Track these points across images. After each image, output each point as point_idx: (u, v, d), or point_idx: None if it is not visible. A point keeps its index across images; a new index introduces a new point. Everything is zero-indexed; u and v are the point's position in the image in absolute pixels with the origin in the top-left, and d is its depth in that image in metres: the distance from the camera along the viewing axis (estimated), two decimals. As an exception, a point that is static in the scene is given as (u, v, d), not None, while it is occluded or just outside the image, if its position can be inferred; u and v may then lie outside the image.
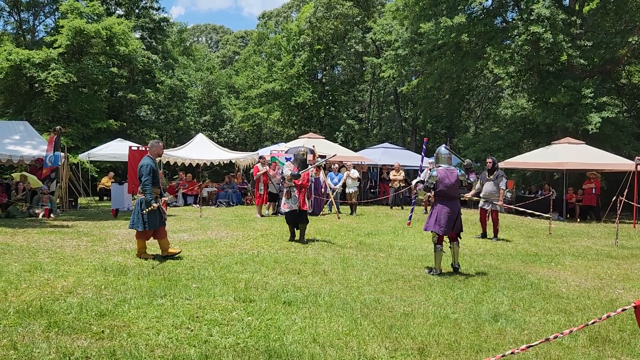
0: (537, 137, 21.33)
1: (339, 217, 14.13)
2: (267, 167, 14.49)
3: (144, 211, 7.09)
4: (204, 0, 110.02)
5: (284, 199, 9.26)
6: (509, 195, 17.90)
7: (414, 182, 7.47)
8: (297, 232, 9.40)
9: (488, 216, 10.84)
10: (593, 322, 3.09)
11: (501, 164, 16.27)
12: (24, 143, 15.39)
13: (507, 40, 20.05)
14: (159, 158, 7.45)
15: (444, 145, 7.51)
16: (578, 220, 15.39)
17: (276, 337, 4.11)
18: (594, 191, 16.15)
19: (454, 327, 4.52)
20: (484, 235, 10.74)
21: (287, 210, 9.19)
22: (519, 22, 18.56)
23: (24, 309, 4.57)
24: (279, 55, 36.88)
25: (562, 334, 3.17)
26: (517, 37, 18.16)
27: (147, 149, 7.47)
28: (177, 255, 7.42)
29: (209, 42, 65.23)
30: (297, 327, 4.38)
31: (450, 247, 7.00)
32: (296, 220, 9.28)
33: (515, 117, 23.09)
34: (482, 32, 20.47)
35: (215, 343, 3.95)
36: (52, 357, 3.51)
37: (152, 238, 7.45)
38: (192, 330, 4.21)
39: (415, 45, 23.85)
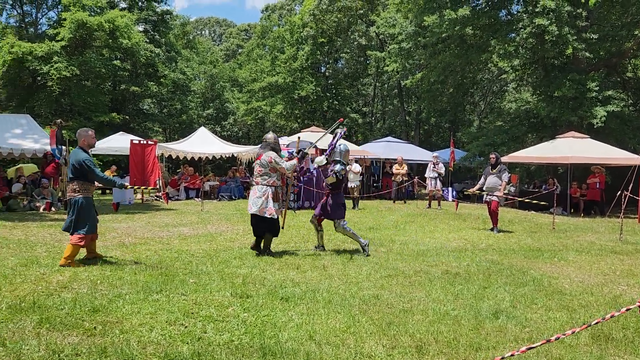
0: (541, 131, 21.14)
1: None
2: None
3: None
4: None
5: (271, 201, 7.11)
6: (512, 189, 17.80)
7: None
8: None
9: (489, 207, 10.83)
10: (596, 322, 3.00)
11: (505, 158, 16.14)
12: (25, 137, 15.33)
13: (511, 33, 19.82)
14: (92, 149, 6.71)
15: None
16: (582, 215, 15.26)
17: (272, 334, 4.03)
18: (598, 186, 15.99)
19: (453, 324, 4.43)
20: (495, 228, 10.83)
21: (274, 215, 7.15)
22: (524, 15, 18.34)
23: (16, 304, 4.51)
24: (282, 49, 36.70)
25: (565, 334, 3.08)
26: (522, 29, 17.94)
27: (84, 139, 6.47)
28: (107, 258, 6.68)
29: (213, 35, 65.05)
30: (294, 323, 4.31)
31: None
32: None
33: (520, 111, 22.87)
34: (487, 25, 20.25)
35: (209, 340, 3.88)
36: (41, 355, 3.44)
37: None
38: (186, 327, 4.13)
39: (419, 39, 23.66)
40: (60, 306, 4.52)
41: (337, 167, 7.53)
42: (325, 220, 7.81)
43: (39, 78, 25.19)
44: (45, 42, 24.64)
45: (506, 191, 10.74)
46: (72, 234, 6.27)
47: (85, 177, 6.36)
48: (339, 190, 7.66)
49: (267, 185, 7.16)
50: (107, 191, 19.45)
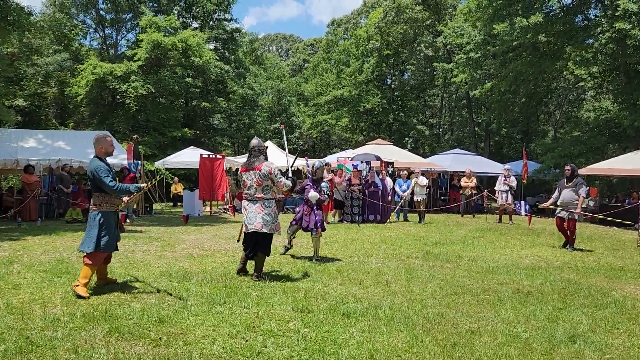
0: (623, 142, 19.83)
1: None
2: (332, 174, 14.41)
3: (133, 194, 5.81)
4: (274, 10, 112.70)
5: (271, 214, 6.48)
6: (591, 204, 16.77)
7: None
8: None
9: (566, 225, 10.13)
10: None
11: (583, 170, 15.26)
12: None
13: (589, 39, 18.83)
14: (109, 157, 5.82)
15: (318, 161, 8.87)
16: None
17: (331, 351, 3.95)
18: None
19: (524, 347, 4.16)
20: (568, 244, 10.09)
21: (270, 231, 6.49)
22: (603, 19, 17.39)
23: (90, 313, 4.71)
24: (347, 62, 36.93)
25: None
26: (600, 35, 17.01)
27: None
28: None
29: (279, 50, 66.56)
30: (355, 341, 4.21)
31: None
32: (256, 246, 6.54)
33: (599, 121, 21.60)
34: (562, 31, 19.37)
35: (269, 355, 3.86)
36: (109, 363, 3.56)
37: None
38: (247, 341, 4.14)
39: (489, 48, 23.02)
40: (129, 316, 4.67)
41: (323, 184, 8.23)
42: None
43: (118, 96, 26.74)
44: (124, 62, 26.20)
45: (584, 206, 10.00)
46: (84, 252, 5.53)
47: (102, 188, 5.58)
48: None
49: (273, 199, 6.59)
50: (179, 204, 20.20)
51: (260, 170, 6.38)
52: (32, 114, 27.63)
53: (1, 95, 20.00)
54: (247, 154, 6.67)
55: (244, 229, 6.58)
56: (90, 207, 5.68)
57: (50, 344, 3.87)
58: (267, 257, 6.65)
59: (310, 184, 8.12)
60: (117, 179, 5.98)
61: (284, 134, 8.93)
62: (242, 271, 6.68)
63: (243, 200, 6.67)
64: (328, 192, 7.62)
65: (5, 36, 14.76)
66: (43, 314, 4.65)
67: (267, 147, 7.11)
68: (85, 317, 4.58)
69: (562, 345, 4.24)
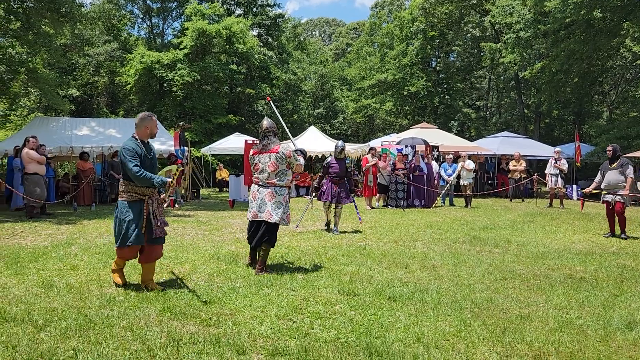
0: (685, 122, 18.79)
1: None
2: (377, 159, 14.32)
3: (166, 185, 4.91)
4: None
5: (282, 203, 5.96)
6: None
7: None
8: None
9: (613, 210, 9.28)
10: None
11: (640, 153, 14.51)
12: (153, 139, 16.70)
13: (648, 14, 17.83)
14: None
15: (340, 141, 10.02)
16: None
17: (378, 334, 3.95)
18: None
19: (577, 334, 4.03)
20: (612, 234, 9.35)
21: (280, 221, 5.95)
22: (664, -8, 16.41)
23: (143, 293, 4.88)
24: (391, 45, 36.37)
25: None
26: (661, 8, 16.06)
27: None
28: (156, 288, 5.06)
29: (322, 35, 66.26)
30: (401, 324, 4.19)
31: (335, 211, 9.34)
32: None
33: (659, 100, 20.52)
34: (618, 6, 18.38)
35: (316, 336, 3.90)
36: (162, 341, 3.68)
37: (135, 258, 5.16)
38: (294, 322, 4.20)
39: (539, 26, 22.17)
40: (180, 297, 4.81)
41: (347, 161, 9.48)
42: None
43: (165, 84, 27.38)
44: (170, 50, 26.74)
45: (632, 186, 9.28)
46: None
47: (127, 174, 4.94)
48: (343, 179, 9.26)
49: (286, 188, 6.04)
50: (225, 189, 20.58)
51: (277, 153, 5.88)
52: (84, 103, 28.70)
53: (56, 85, 20.82)
54: (261, 137, 6.17)
55: (249, 216, 6.03)
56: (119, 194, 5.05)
57: (107, 322, 4.04)
58: (271, 248, 6.07)
59: (335, 162, 9.22)
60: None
61: (272, 104, 8.52)
62: (254, 264, 6.08)
63: (252, 185, 6.15)
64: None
65: (59, 28, 15.30)
66: (100, 294, 4.85)
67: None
68: (139, 297, 4.76)
69: (618, 332, 4.08)
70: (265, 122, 6.17)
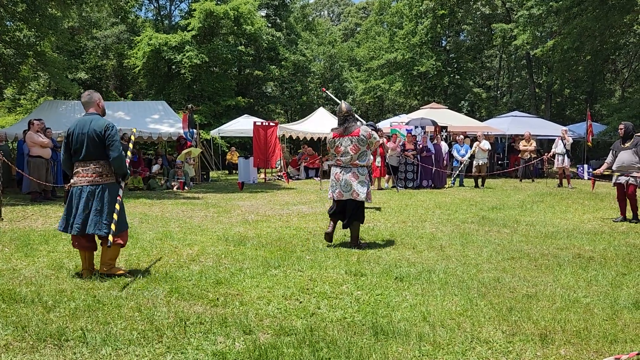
0: (700, 100, 18.44)
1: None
2: (385, 139, 14.22)
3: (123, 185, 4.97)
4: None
5: (365, 182, 6.29)
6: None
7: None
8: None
9: (625, 192, 8.78)
10: None
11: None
12: (162, 121, 16.76)
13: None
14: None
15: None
16: None
17: (384, 314, 3.96)
18: None
19: (584, 312, 4.01)
20: (623, 218, 8.83)
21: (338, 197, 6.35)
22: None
23: (151, 274, 4.93)
24: (400, 24, 35.90)
25: None
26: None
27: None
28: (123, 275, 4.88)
29: (331, 15, 65.54)
30: (408, 304, 4.19)
31: None
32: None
33: (673, 78, 20.13)
34: (632, -19, 17.97)
35: (323, 316, 3.92)
36: (170, 321, 3.72)
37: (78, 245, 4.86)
38: (301, 302, 4.22)
39: (551, 3, 21.70)
40: (188, 277, 4.85)
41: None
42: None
43: (173, 67, 27.30)
44: (178, 32, 26.60)
45: None
46: (114, 235, 4.67)
47: (105, 155, 4.72)
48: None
49: (366, 167, 6.31)
50: (234, 171, 20.63)
51: (358, 136, 6.09)
52: (93, 86, 28.71)
53: (65, 68, 20.85)
54: (340, 120, 6.32)
55: (335, 196, 6.29)
56: (95, 178, 4.71)
57: (116, 303, 4.09)
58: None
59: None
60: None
61: (329, 93, 8.93)
62: (330, 236, 6.32)
63: (333, 167, 6.40)
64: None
65: (66, 10, 15.25)
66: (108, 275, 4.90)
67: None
68: (147, 278, 4.80)
69: (625, 311, 4.06)
70: (344, 105, 6.35)
